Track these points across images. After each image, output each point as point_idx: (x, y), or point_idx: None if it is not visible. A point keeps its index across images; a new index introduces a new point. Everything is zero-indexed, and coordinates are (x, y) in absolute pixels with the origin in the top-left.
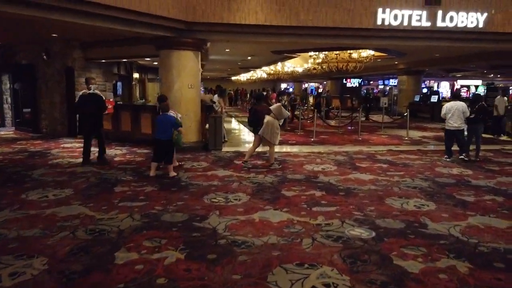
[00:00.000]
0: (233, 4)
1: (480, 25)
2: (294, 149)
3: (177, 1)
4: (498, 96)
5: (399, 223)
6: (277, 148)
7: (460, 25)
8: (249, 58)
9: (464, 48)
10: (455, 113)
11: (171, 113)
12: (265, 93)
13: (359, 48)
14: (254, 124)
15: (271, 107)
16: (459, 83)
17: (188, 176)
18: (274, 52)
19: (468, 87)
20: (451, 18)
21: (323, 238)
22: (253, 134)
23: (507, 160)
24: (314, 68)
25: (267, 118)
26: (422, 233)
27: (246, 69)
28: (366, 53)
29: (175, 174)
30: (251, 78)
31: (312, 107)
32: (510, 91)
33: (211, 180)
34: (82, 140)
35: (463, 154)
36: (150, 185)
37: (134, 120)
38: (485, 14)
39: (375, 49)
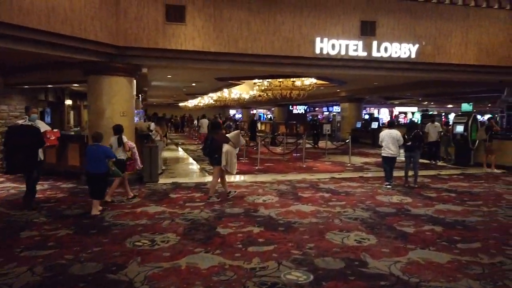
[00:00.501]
0: (169, 29)
1: (413, 56)
2: (237, 178)
3: (106, 25)
4: (429, 123)
5: (339, 262)
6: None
7: (394, 55)
8: (193, 84)
9: (399, 77)
10: (389, 141)
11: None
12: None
13: (300, 76)
14: (211, 154)
15: (228, 135)
16: (397, 109)
17: (113, 215)
18: (218, 79)
19: (405, 113)
20: (386, 49)
21: (255, 286)
22: (195, 162)
23: (443, 186)
24: (260, 95)
25: (226, 147)
26: (362, 274)
27: (193, 95)
28: (309, 81)
29: (98, 213)
30: (199, 104)
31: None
32: (443, 117)
33: (139, 218)
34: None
35: (390, 182)
36: (65, 228)
37: (60, 151)
38: (417, 45)
39: (317, 77)
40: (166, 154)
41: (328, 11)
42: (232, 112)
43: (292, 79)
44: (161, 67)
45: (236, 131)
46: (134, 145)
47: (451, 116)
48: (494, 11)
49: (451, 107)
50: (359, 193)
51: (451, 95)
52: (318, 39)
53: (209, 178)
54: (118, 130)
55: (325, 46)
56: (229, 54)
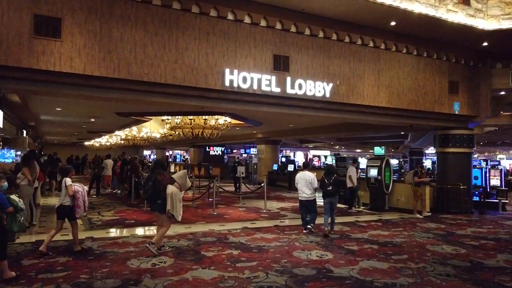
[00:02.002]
0: (37, 45)
1: (327, 95)
2: (128, 232)
3: None
4: (350, 166)
5: None
6: (101, 233)
7: (309, 93)
8: (92, 120)
9: (313, 119)
10: (303, 184)
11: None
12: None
13: (212, 113)
14: (154, 198)
15: (174, 175)
16: (312, 153)
17: None
18: (119, 114)
19: (319, 157)
20: (300, 86)
21: None
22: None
23: (363, 236)
24: (171, 134)
25: (171, 188)
26: None
27: (97, 133)
28: (223, 120)
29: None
30: (106, 143)
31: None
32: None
33: None
34: None
35: (311, 225)
36: None
37: None
38: (331, 85)
39: (231, 116)
40: (50, 201)
41: (238, 41)
42: (146, 152)
43: (204, 117)
44: (32, 92)
45: (183, 171)
46: (80, 189)
47: (362, 160)
48: (402, 56)
49: (360, 152)
50: (274, 248)
51: (360, 140)
52: (227, 71)
53: (87, 233)
54: (62, 171)
55: (236, 78)
56: (119, 80)
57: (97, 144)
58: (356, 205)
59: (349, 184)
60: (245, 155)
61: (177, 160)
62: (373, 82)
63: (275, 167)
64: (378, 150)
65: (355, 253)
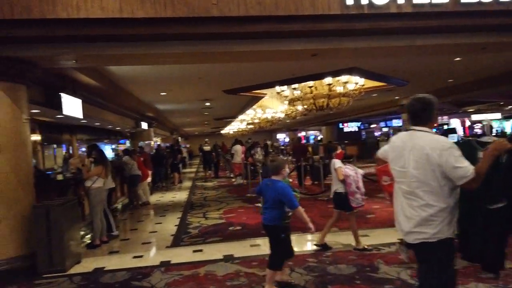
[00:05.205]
0: None
1: None
2: (221, 250)
3: None
4: None
5: None
6: (185, 253)
7: None
8: (207, 104)
9: (485, 65)
10: None
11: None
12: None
13: (337, 73)
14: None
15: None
16: (472, 118)
17: None
18: (226, 92)
19: (481, 122)
20: None
21: None
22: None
23: None
24: (291, 111)
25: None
26: None
27: (223, 119)
28: (353, 83)
29: None
30: (238, 130)
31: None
32: None
33: None
34: None
35: None
36: None
37: None
38: None
39: (365, 75)
40: (166, 197)
41: None
42: (279, 136)
43: (327, 82)
44: (71, 60)
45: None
46: (351, 172)
47: None
48: None
49: None
50: None
51: None
52: None
53: (167, 253)
54: (329, 150)
55: None
56: (174, 20)
57: (232, 132)
58: None
59: None
60: (385, 129)
61: (310, 141)
62: None
63: None
64: None
65: None
